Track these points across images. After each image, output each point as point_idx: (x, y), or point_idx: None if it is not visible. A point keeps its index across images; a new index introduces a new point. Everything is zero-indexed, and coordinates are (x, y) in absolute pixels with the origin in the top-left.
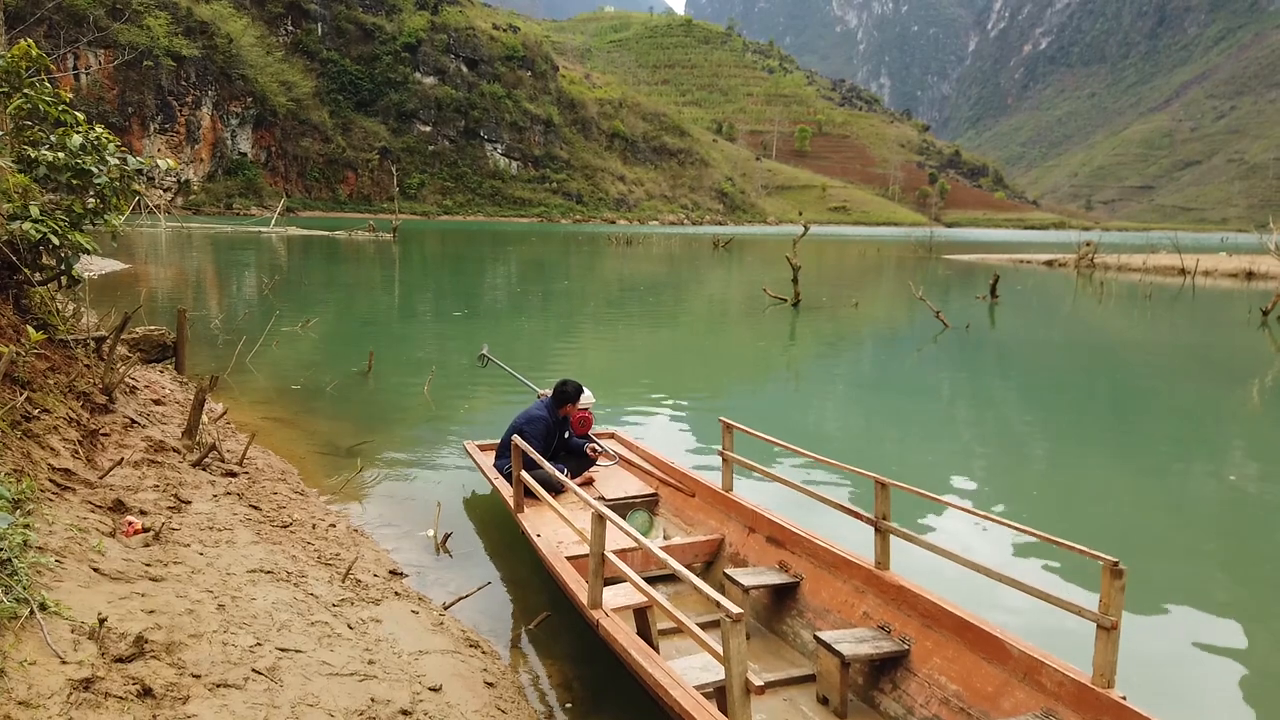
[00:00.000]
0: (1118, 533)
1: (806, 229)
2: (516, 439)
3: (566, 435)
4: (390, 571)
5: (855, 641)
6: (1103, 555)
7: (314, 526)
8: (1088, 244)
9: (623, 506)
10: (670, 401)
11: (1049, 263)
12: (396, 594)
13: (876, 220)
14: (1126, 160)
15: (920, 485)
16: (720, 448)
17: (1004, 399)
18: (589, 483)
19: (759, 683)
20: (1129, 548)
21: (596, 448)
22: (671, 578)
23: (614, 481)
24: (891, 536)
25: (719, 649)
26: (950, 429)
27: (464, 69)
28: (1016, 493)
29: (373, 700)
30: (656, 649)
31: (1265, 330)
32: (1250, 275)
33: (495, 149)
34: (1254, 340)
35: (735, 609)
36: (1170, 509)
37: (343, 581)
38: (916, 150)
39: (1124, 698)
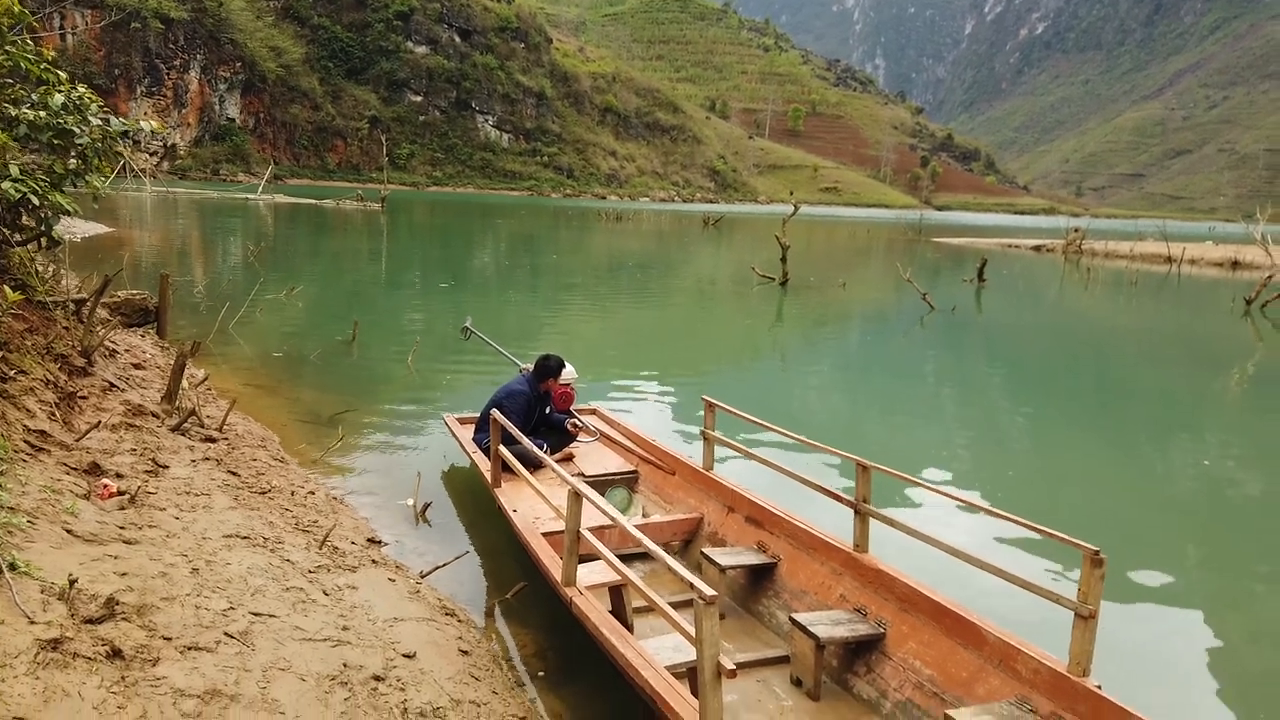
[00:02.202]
0: (1097, 518)
1: (796, 209)
2: (495, 414)
3: (547, 410)
4: (368, 539)
5: (831, 624)
6: (1083, 543)
7: (293, 493)
8: (1076, 230)
9: (602, 483)
10: (654, 378)
11: (1037, 248)
12: (374, 562)
13: (867, 202)
14: (1118, 148)
15: (902, 468)
16: (702, 426)
17: (988, 382)
18: (569, 459)
19: (730, 665)
20: (1108, 534)
21: (577, 423)
22: (649, 555)
23: (594, 458)
24: (871, 519)
25: (692, 630)
26: (934, 412)
27: (456, 39)
28: (998, 476)
29: (345, 665)
30: (631, 626)
31: (1248, 319)
32: (1236, 264)
33: (486, 121)
34: (1237, 329)
35: (709, 591)
36: (1149, 495)
37: (320, 548)
38: (909, 133)
39: (1099, 686)
